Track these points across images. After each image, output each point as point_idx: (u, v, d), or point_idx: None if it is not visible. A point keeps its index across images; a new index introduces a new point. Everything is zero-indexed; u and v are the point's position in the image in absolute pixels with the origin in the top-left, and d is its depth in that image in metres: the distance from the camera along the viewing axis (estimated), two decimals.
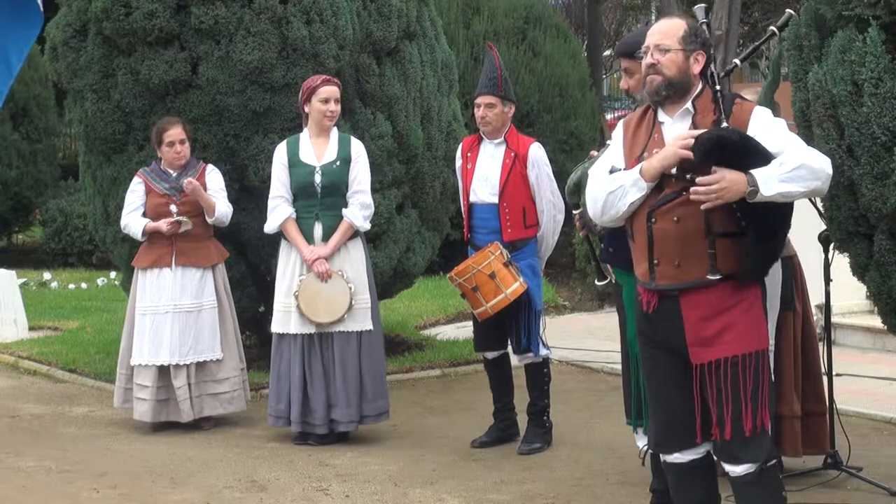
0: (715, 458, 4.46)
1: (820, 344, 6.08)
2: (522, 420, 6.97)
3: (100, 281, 13.60)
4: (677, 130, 4.35)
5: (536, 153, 6.78)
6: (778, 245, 4.41)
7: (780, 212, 4.27)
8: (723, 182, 4.13)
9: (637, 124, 4.49)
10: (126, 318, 7.53)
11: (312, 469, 6.52)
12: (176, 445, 7.05)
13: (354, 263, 6.94)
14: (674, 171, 4.27)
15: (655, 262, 4.32)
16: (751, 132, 4.27)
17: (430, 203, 8.83)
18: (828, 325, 6.23)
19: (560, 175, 6.95)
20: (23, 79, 15.66)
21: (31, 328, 10.83)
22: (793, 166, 4.16)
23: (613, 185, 4.38)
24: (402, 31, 8.54)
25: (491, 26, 14.01)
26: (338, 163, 6.89)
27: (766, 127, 4.29)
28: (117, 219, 7.96)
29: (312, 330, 6.86)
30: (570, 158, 13.30)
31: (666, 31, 4.37)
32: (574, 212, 5.40)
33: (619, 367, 7.41)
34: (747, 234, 4.24)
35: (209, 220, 7.38)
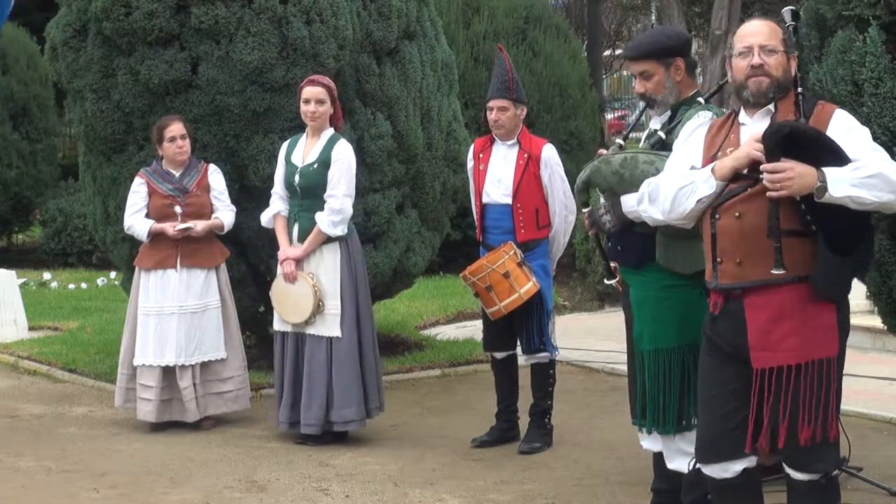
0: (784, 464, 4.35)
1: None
2: (524, 423, 6.97)
3: (100, 281, 13.60)
4: (754, 130, 4.28)
5: (549, 154, 6.80)
6: (860, 258, 4.27)
7: (854, 220, 4.13)
8: (790, 172, 4.02)
9: (721, 125, 4.44)
10: (127, 317, 7.52)
11: (312, 469, 6.52)
12: (176, 445, 7.04)
13: (327, 269, 6.88)
14: (746, 170, 4.21)
15: (718, 260, 4.27)
16: (829, 133, 4.17)
17: (430, 203, 8.83)
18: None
19: None
20: (23, 79, 15.70)
21: (31, 328, 10.83)
22: (868, 173, 4.04)
23: (685, 180, 4.33)
24: (402, 31, 8.54)
25: (491, 26, 14.02)
26: (315, 165, 6.87)
27: (846, 132, 4.19)
28: (117, 219, 7.95)
29: (289, 329, 6.92)
30: (570, 158, 13.30)
31: (769, 33, 4.30)
32: (583, 210, 5.38)
33: (620, 367, 7.40)
34: (816, 235, 4.13)
35: (220, 234, 7.44)
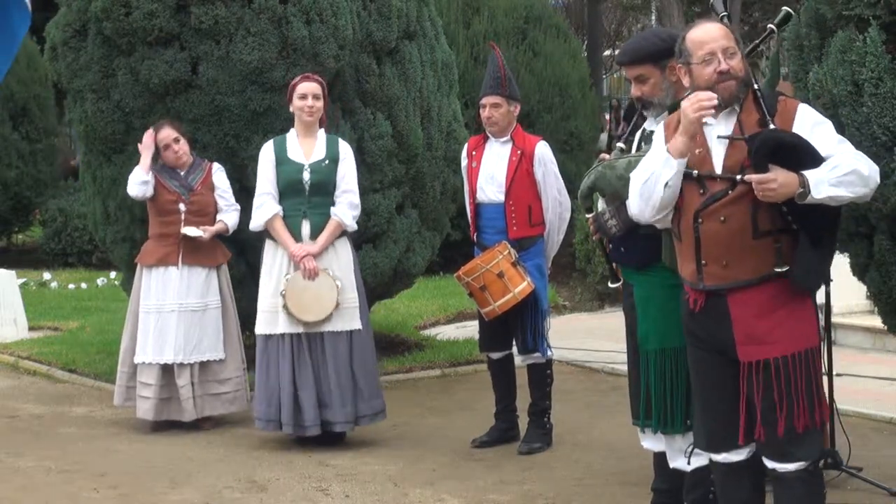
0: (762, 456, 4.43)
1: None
2: (523, 422, 6.97)
3: (100, 281, 13.61)
4: (721, 130, 4.35)
5: (543, 151, 6.80)
6: (831, 248, 4.41)
7: (829, 215, 4.27)
8: (773, 183, 4.14)
9: (677, 125, 4.46)
10: (128, 315, 7.53)
11: (312, 469, 6.52)
12: (176, 445, 7.04)
13: (342, 263, 6.91)
14: (719, 171, 4.28)
15: (703, 262, 4.33)
16: (795, 129, 4.28)
17: (430, 203, 8.83)
18: (828, 325, 6.23)
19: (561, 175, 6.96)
20: (23, 79, 15.70)
21: (31, 328, 10.84)
22: (844, 171, 4.18)
23: (645, 174, 4.39)
24: (402, 31, 8.54)
25: (491, 26, 14.02)
26: (327, 161, 6.89)
27: (812, 127, 4.30)
28: (117, 219, 7.96)
29: (300, 329, 6.84)
30: (570, 158, 13.32)
31: (726, 35, 4.36)
32: (587, 216, 5.36)
33: (619, 367, 7.40)
34: (795, 232, 4.25)
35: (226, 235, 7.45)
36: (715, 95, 4.24)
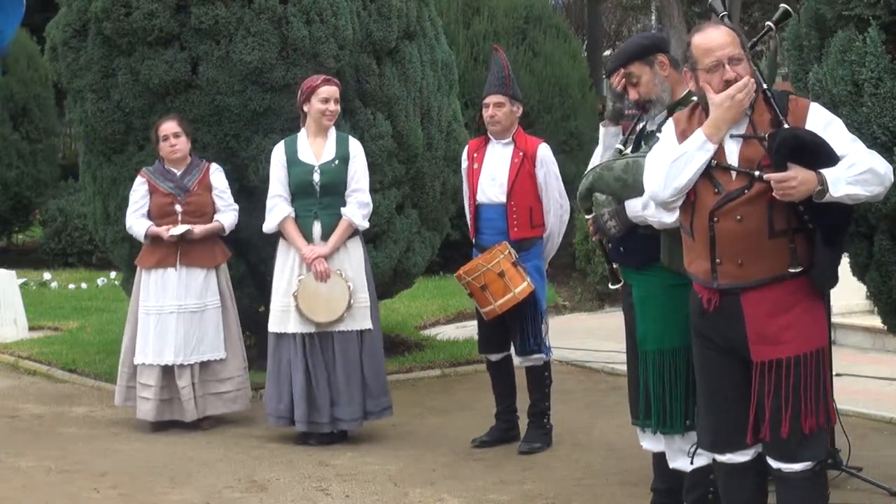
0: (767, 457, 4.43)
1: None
2: (523, 422, 6.97)
3: (100, 281, 13.61)
4: (733, 130, 4.34)
5: (545, 153, 6.81)
6: (842, 248, 4.43)
7: (844, 213, 4.28)
8: (793, 181, 4.13)
9: (688, 120, 4.47)
10: (128, 316, 7.53)
11: (312, 469, 6.52)
12: (176, 445, 7.05)
13: (353, 262, 6.94)
14: (736, 163, 4.27)
15: (718, 261, 4.32)
16: (808, 128, 4.27)
17: (430, 203, 8.83)
18: (828, 325, 6.22)
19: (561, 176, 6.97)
20: (23, 79, 15.71)
21: (31, 328, 10.84)
22: (861, 169, 4.18)
23: (674, 153, 4.35)
24: (402, 31, 8.54)
25: (491, 26, 14.03)
26: (336, 162, 6.90)
27: (824, 126, 4.29)
28: (117, 219, 7.95)
29: (312, 329, 6.86)
30: (570, 158, 13.32)
31: (732, 41, 4.33)
32: (586, 217, 5.36)
33: (619, 367, 7.41)
34: (810, 231, 4.25)
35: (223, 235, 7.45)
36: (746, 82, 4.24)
